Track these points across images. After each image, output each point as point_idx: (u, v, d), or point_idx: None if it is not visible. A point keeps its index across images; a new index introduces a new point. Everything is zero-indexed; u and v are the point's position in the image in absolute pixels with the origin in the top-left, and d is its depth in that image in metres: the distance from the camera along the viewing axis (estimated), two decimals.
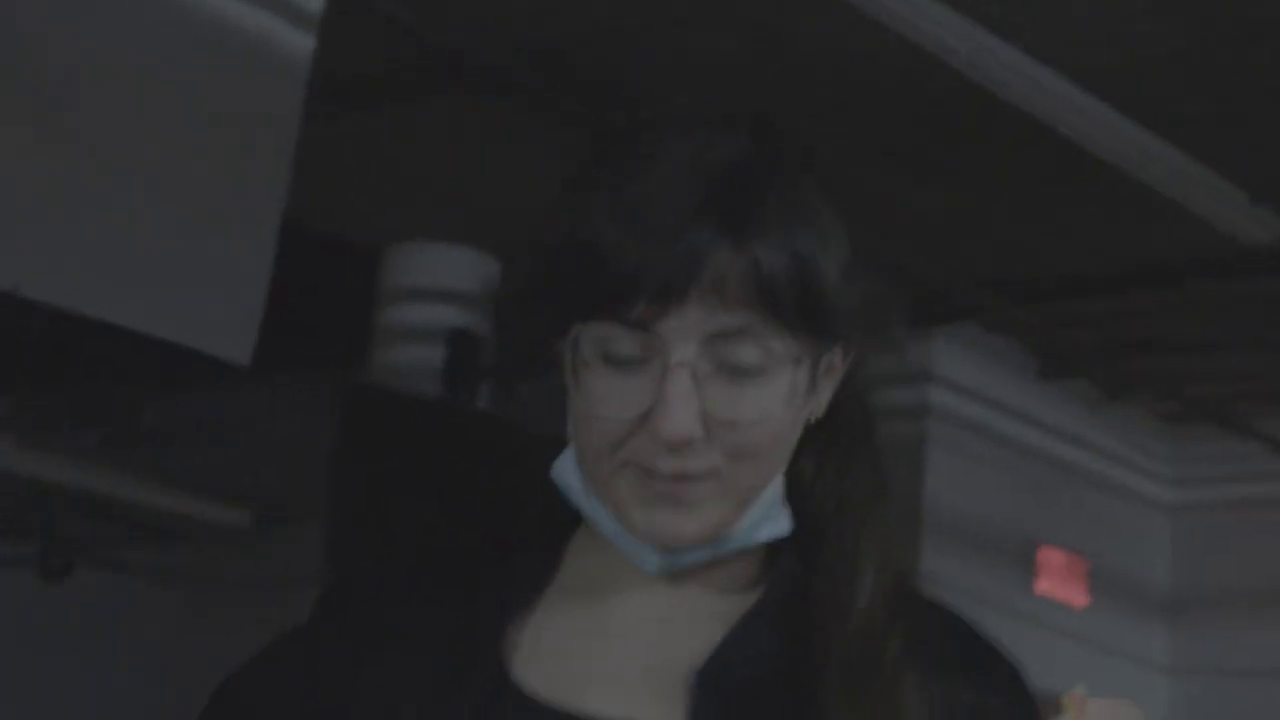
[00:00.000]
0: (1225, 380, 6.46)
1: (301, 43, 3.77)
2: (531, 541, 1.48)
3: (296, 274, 3.99)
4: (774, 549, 1.42)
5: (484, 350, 5.02)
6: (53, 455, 5.38)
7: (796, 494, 1.42)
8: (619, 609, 1.40)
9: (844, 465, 1.44)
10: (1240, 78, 4.54)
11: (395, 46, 4.19)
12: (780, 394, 1.33)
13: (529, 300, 1.40)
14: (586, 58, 4.42)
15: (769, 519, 1.39)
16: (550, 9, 4.15)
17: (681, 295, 1.28)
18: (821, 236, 1.34)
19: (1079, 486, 6.83)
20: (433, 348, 4.98)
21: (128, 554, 5.77)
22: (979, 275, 5.81)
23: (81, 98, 3.57)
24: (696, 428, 1.30)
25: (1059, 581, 6.66)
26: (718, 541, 1.36)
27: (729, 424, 1.31)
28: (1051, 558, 6.63)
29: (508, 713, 1.34)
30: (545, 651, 1.38)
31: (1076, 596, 6.70)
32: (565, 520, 1.44)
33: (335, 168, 4.62)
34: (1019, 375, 6.51)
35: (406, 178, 5.10)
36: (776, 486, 1.39)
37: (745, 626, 1.38)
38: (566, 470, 1.41)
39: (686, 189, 1.31)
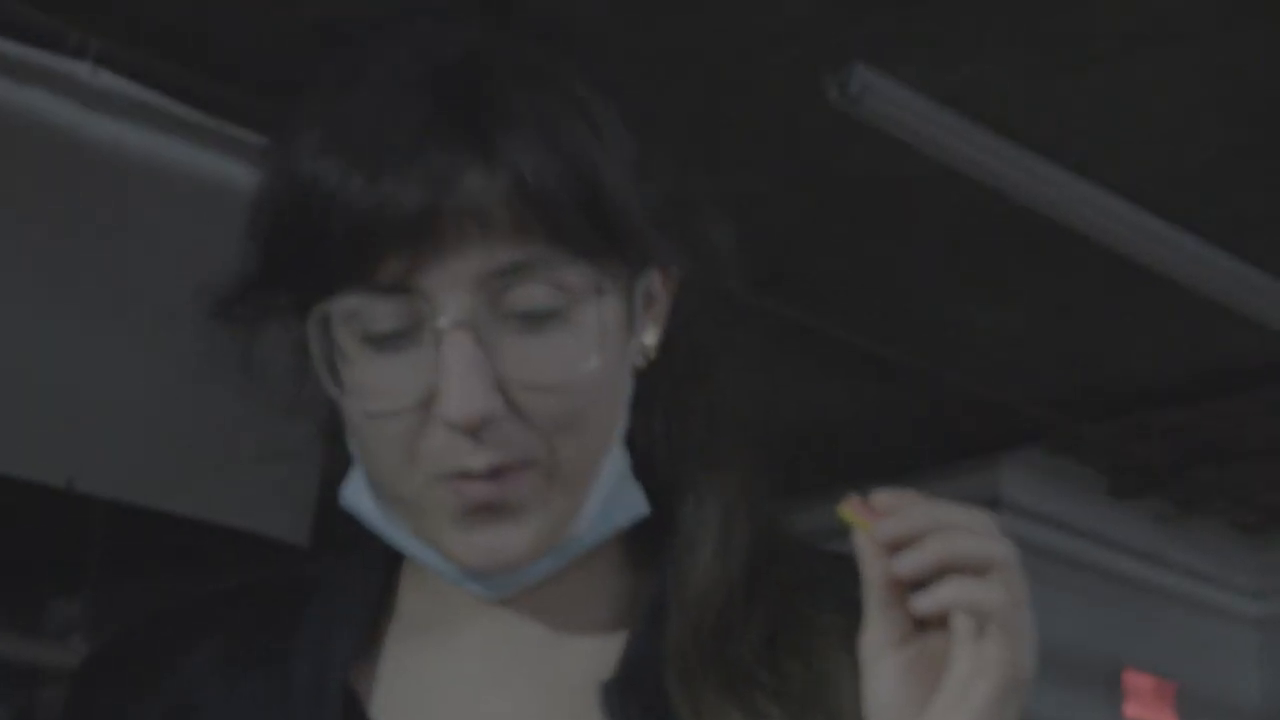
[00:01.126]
0: None
1: None
2: (349, 577, 1.23)
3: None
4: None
5: None
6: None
7: (641, 461, 1.18)
8: (477, 641, 1.18)
9: (681, 418, 1.20)
10: None
11: None
12: (589, 338, 1.08)
13: (253, 295, 1.15)
14: None
15: (618, 502, 1.15)
16: None
17: (433, 234, 1.04)
18: (596, 131, 1.08)
19: (1160, 605, 6.90)
20: None
21: None
22: (1043, 396, 5.85)
23: (128, 283, 3.60)
24: (493, 400, 1.05)
25: (1147, 705, 6.61)
26: (560, 549, 1.13)
27: (534, 388, 1.07)
28: (1138, 681, 6.61)
29: None
30: (405, 687, 1.18)
31: (1163, 717, 6.63)
32: (380, 557, 1.21)
33: None
34: (1089, 496, 6.54)
35: None
36: (617, 459, 1.14)
37: (644, 627, 1.16)
38: (357, 493, 1.16)
39: (412, 99, 1.06)
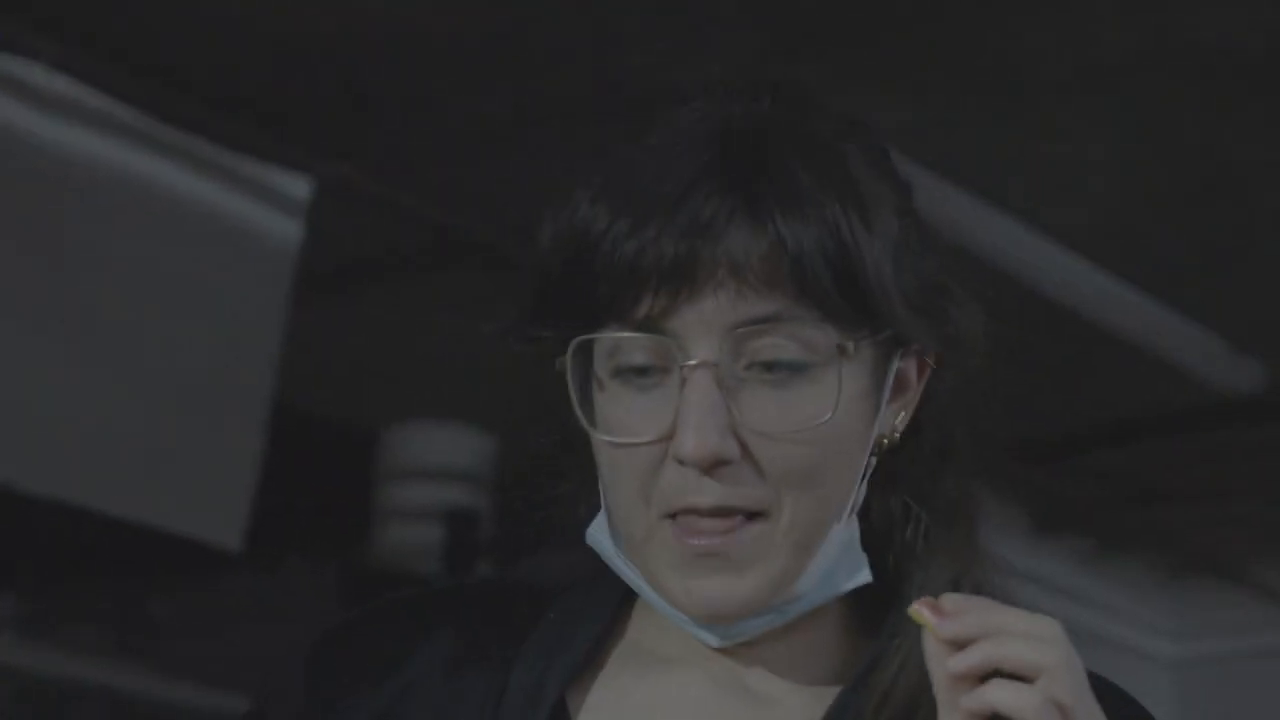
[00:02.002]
0: (1224, 530, 6.47)
1: (289, 229, 3.77)
2: (585, 600, 1.26)
3: (297, 458, 3.99)
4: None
5: (482, 527, 4.97)
6: (55, 650, 5.40)
7: (873, 539, 1.21)
8: (693, 681, 1.21)
9: (921, 502, 1.23)
10: (1217, 227, 4.61)
11: (386, 226, 4.22)
12: (829, 395, 1.12)
13: (527, 331, 1.19)
14: None
15: (843, 566, 1.18)
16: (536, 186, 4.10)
17: (692, 280, 1.10)
18: (861, 207, 1.13)
19: (1078, 643, 6.70)
20: (432, 527, 4.95)
21: None
22: (973, 438, 5.75)
23: (71, 289, 3.60)
24: (728, 443, 1.10)
25: None
26: (780, 606, 1.16)
27: (769, 436, 1.11)
28: None
29: None
30: (616, 713, 1.20)
31: None
32: (612, 587, 1.24)
33: (333, 350, 4.65)
34: (1013, 532, 6.42)
35: (401, 357, 5.07)
36: (849, 527, 1.18)
37: (842, 700, 1.18)
38: (599, 531, 1.20)
39: (691, 157, 1.13)
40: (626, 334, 1.11)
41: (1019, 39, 3.85)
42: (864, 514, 1.19)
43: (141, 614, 5.60)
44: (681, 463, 1.09)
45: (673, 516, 1.12)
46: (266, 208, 3.79)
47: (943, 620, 1.04)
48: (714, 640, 1.16)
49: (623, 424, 1.13)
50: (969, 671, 1.02)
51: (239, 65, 3.78)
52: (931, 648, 1.05)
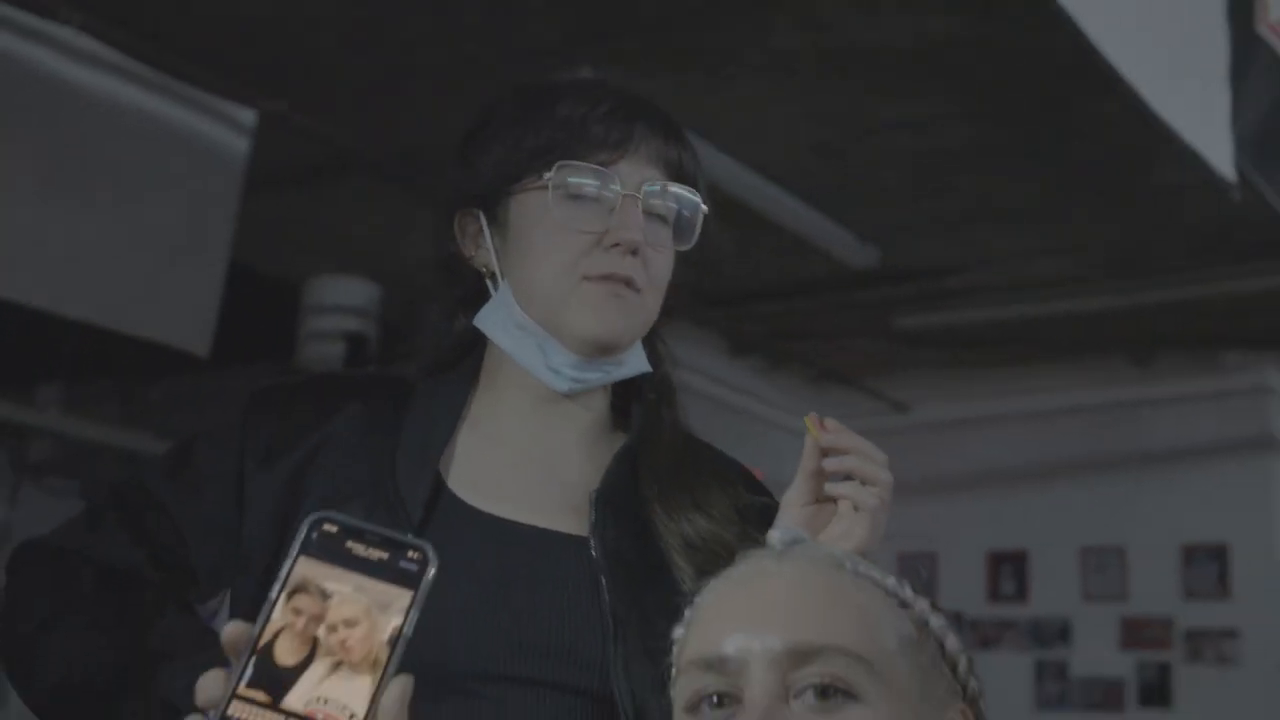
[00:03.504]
0: (846, 355, 6.49)
1: (241, 144, 3.70)
2: (444, 389, 1.23)
3: (245, 299, 3.92)
4: (623, 397, 1.25)
5: (370, 346, 4.93)
6: (84, 420, 5.28)
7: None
8: (517, 436, 1.20)
9: (659, 345, 1.28)
10: (851, 156, 4.58)
11: (310, 146, 4.08)
12: (669, 238, 1.21)
13: (502, 162, 1.21)
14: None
15: (641, 357, 1.23)
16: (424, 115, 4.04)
17: (632, 153, 1.17)
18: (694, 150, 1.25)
19: (755, 424, 6.76)
20: (337, 345, 4.89)
21: None
22: (688, 289, 5.75)
23: (89, 177, 3.45)
24: (643, 240, 1.17)
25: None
26: (618, 362, 1.20)
27: (652, 249, 1.18)
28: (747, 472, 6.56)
29: (448, 516, 1.15)
30: (467, 470, 1.18)
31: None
32: (463, 381, 1.24)
33: (270, 228, 4.47)
34: (715, 352, 6.47)
35: (318, 233, 4.94)
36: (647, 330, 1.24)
37: (618, 459, 1.20)
38: (494, 317, 1.21)
39: (628, 102, 1.21)
40: (590, 167, 1.16)
41: (732, 33, 3.79)
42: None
43: (144, 396, 5.51)
44: (622, 244, 1.15)
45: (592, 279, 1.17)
46: (225, 130, 3.66)
47: (825, 433, 1.10)
48: (565, 385, 1.18)
49: (574, 220, 1.16)
50: (835, 470, 1.10)
51: (213, 28, 3.65)
52: (809, 447, 1.11)
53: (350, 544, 0.77)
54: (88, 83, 3.34)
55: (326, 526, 0.78)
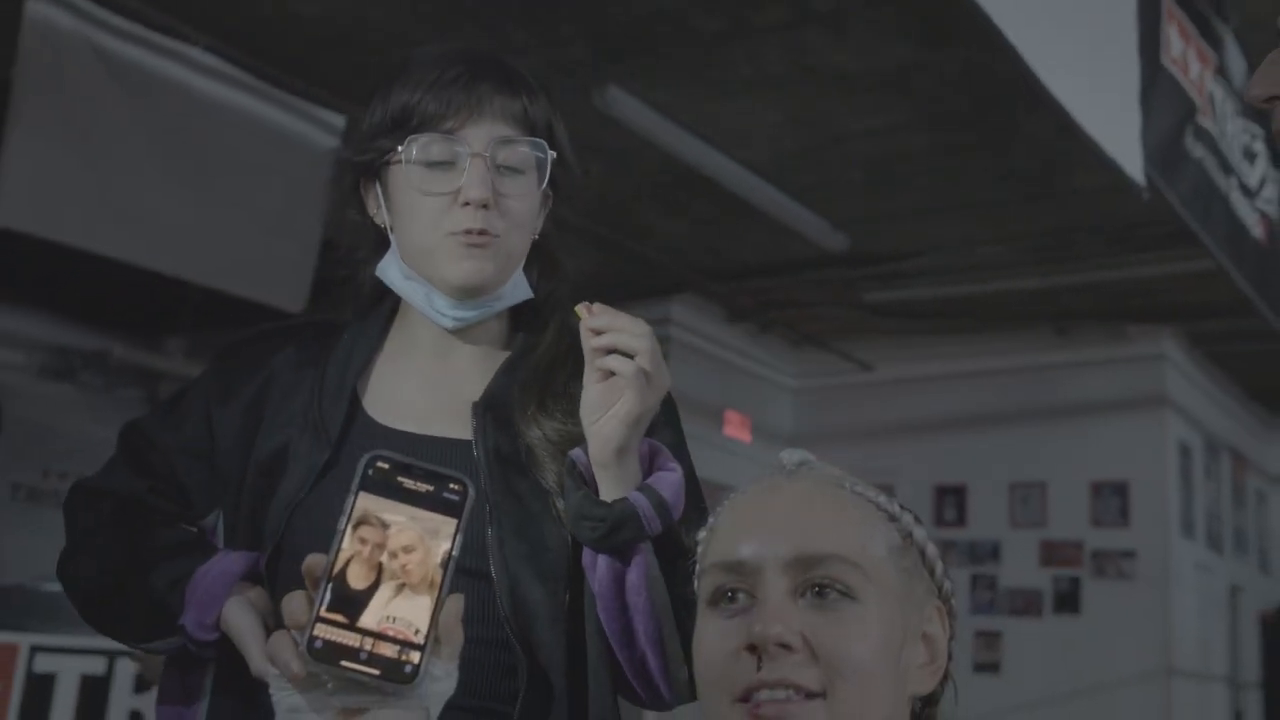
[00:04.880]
0: (821, 323, 6.42)
1: (330, 141, 3.67)
2: (363, 327, 1.17)
3: (332, 267, 3.86)
4: (513, 323, 1.17)
5: None
6: (201, 364, 5.19)
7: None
8: (423, 364, 1.14)
9: (551, 269, 1.18)
10: (826, 158, 4.54)
11: None
12: (531, 183, 1.10)
13: (375, 135, 1.11)
14: None
15: (520, 288, 1.14)
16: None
17: (478, 115, 1.07)
18: (544, 96, 1.13)
19: (745, 378, 6.74)
20: None
21: None
22: (697, 267, 5.72)
23: (205, 159, 3.40)
24: (489, 195, 1.06)
25: (736, 428, 6.55)
26: (495, 298, 1.12)
27: (504, 196, 1.08)
28: (732, 416, 6.56)
29: (361, 433, 1.09)
30: (381, 394, 1.13)
31: (745, 436, 6.60)
32: (379, 320, 1.18)
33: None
34: (715, 319, 6.40)
35: None
36: (521, 264, 1.14)
37: (501, 373, 1.13)
38: (389, 268, 1.13)
39: (475, 65, 1.10)
40: (439, 136, 1.07)
41: (729, 57, 3.76)
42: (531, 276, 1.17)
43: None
44: (469, 202, 1.07)
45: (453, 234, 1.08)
46: (319, 131, 3.61)
47: (591, 316, 1.03)
48: (450, 322, 1.12)
49: (430, 185, 1.07)
50: (600, 347, 1.01)
51: (310, 47, 3.66)
52: (584, 332, 1.02)
53: (400, 479, 0.73)
54: (209, 91, 3.34)
55: (380, 464, 0.73)
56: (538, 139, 1.10)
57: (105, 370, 5.12)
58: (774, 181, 4.63)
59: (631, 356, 1.01)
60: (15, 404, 5.04)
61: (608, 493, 1.02)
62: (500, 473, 1.07)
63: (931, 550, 0.88)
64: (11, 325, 4.90)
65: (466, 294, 1.10)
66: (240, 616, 1.03)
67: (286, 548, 1.05)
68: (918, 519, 0.89)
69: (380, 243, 1.15)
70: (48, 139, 2.98)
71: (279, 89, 3.51)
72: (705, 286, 5.91)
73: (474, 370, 1.14)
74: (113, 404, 5.12)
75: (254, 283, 3.54)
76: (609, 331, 1.02)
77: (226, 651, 1.04)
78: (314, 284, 3.64)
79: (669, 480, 1.03)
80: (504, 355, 1.15)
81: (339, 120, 3.68)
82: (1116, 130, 2.79)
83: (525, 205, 1.10)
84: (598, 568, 1.02)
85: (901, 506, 0.88)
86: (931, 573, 0.88)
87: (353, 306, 1.19)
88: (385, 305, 1.17)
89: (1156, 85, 2.94)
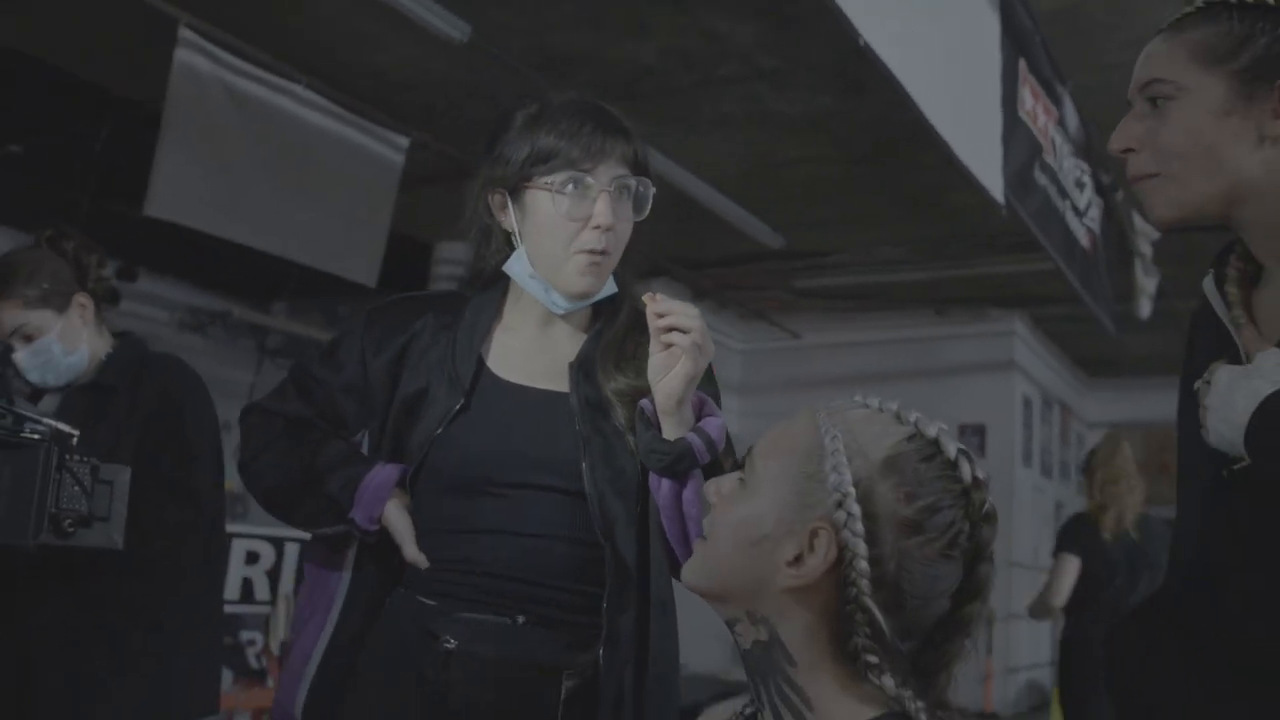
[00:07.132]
0: (764, 302, 6.37)
1: (398, 159, 3.63)
2: (483, 300, 1.14)
3: (398, 253, 3.76)
4: (594, 304, 1.14)
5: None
6: (301, 324, 5.14)
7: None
8: (533, 333, 1.13)
9: (625, 268, 1.14)
10: (769, 179, 4.50)
11: (435, 161, 3.92)
12: (631, 210, 1.10)
13: (521, 165, 1.07)
14: None
15: (609, 286, 1.12)
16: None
17: (604, 158, 1.06)
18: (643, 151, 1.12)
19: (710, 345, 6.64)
20: (452, 285, 4.70)
21: None
22: (671, 258, 5.64)
23: (302, 169, 3.31)
24: (614, 221, 1.06)
25: None
26: (596, 294, 1.11)
27: (619, 223, 1.08)
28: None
29: (487, 386, 1.09)
30: (501, 355, 1.12)
31: None
32: (496, 297, 1.15)
33: (421, 210, 4.27)
34: (684, 298, 5.90)
35: (447, 215, 4.71)
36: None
37: (588, 342, 1.12)
38: (515, 264, 1.10)
39: (600, 119, 1.08)
40: (578, 173, 1.05)
41: (696, 102, 3.71)
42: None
43: (334, 309, 5.20)
44: (598, 227, 1.06)
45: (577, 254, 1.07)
46: (389, 149, 3.56)
47: (655, 304, 1.03)
48: (563, 309, 1.10)
49: (571, 211, 1.06)
50: (663, 326, 1.02)
51: (385, 83, 3.60)
52: (650, 314, 1.02)
53: None
54: (308, 118, 3.29)
55: None
56: (644, 178, 1.09)
57: (226, 326, 5.11)
58: (731, 195, 4.61)
59: (686, 333, 1.02)
60: (159, 350, 4.92)
61: (669, 433, 1.03)
62: (589, 416, 1.07)
63: (834, 480, 0.68)
64: (157, 290, 4.90)
65: (581, 298, 1.10)
66: (398, 517, 1.06)
67: (425, 468, 1.07)
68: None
69: (504, 241, 1.12)
70: (187, 152, 2.96)
71: (359, 116, 3.47)
72: (678, 272, 5.90)
73: (568, 340, 1.13)
74: (232, 352, 5.14)
75: (338, 262, 3.49)
76: (669, 314, 1.02)
77: (378, 540, 1.07)
78: (383, 263, 3.63)
79: (714, 424, 1.04)
80: (589, 329, 1.14)
81: (404, 140, 3.65)
82: (984, 163, 2.82)
83: (628, 228, 1.10)
84: (661, 487, 1.04)
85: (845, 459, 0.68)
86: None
87: (475, 286, 1.17)
88: (499, 285, 1.15)
89: (1014, 131, 2.97)
